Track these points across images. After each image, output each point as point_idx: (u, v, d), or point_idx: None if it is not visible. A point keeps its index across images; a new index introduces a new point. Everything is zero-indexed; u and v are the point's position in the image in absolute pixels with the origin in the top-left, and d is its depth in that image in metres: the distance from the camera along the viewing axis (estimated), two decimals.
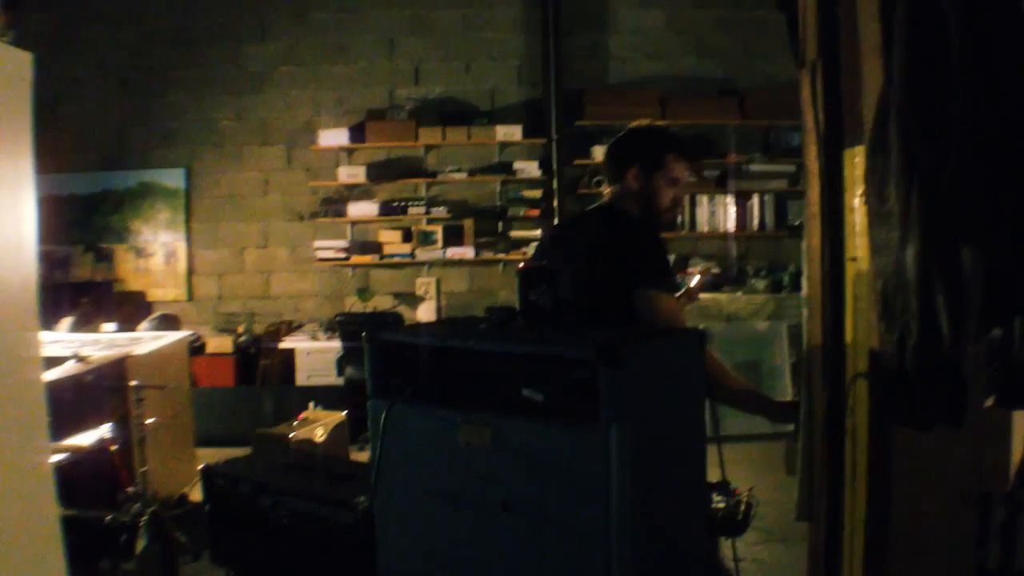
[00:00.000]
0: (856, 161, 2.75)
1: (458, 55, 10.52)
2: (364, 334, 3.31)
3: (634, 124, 3.87)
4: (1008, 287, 2.30)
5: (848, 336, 2.86)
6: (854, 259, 2.81)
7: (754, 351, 9.15)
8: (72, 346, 6.33)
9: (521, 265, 3.13)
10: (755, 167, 10.25)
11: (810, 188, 2.98)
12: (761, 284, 10.08)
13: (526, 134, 10.22)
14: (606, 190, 3.88)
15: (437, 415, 3.11)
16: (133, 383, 5.77)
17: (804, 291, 3.20)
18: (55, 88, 10.12)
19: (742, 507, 3.43)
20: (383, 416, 3.16)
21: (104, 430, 5.64)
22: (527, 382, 2.92)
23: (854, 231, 2.80)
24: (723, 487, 3.36)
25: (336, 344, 9.48)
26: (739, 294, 9.97)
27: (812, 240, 3.00)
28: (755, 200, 10.35)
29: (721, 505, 3.39)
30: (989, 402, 2.65)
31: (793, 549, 5.66)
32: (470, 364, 3.11)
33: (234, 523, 4.77)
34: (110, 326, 8.26)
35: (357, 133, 10.29)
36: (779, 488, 6.45)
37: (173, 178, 10.54)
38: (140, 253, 10.61)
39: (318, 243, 10.38)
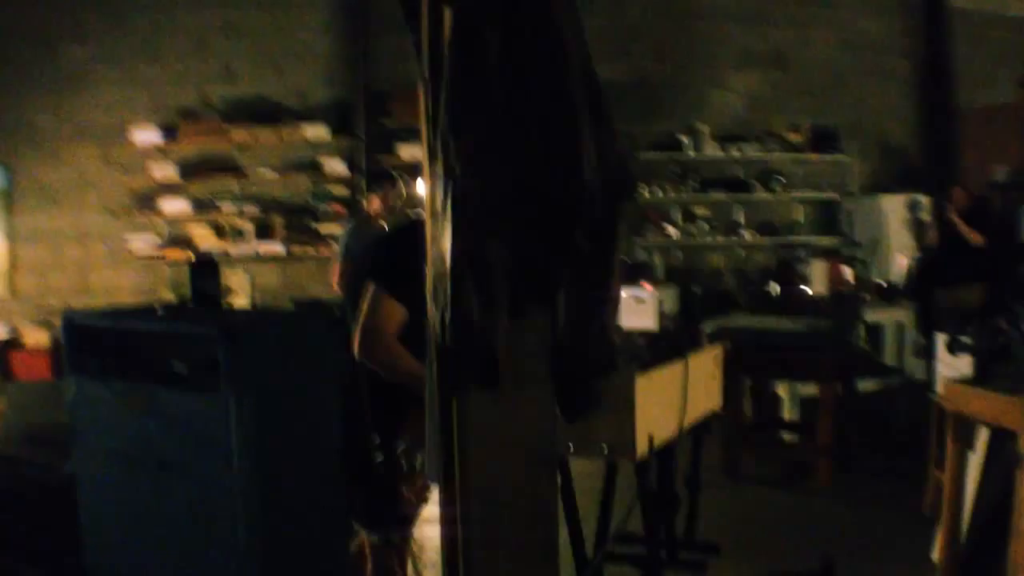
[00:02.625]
0: None
1: (268, 56, 10.83)
2: (62, 316, 3.72)
3: None
4: (537, 277, 2.80)
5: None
6: None
7: None
8: None
9: (192, 258, 3.54)
10: None
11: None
12: None
13: (334, 133, 10.55)
14: None
15: (113, 387, 3.54)
16: None
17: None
18: None
19: (401, 455, 3.83)
20: (73, 388, 3.60)
21: None
22: (178, 357, 3.36)
23: None
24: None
25: None
26: None
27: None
28: None
29: (380, 459, 3.81)
30: None
31: None
32: (138, 342, 3.55)
33: None
34: None
35: (170, 132, 10.51)
36: None
37: None
38: None
39: (133, 239, 10.57)
